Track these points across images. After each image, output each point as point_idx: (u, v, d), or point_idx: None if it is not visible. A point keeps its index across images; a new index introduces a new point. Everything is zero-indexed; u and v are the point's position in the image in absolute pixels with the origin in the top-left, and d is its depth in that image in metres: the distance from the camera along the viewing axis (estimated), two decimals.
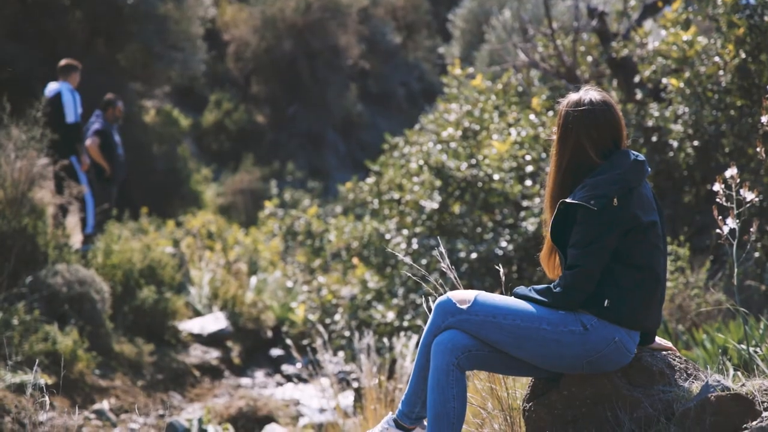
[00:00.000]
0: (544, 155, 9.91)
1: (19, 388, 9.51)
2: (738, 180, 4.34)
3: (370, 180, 11.99)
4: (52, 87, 13.34)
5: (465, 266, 9.90)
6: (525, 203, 10.07)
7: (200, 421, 10.43)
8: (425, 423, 4.32)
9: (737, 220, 4.35)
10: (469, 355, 4.17)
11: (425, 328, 4.31)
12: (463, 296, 4.23)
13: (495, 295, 4.26)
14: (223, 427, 10.44)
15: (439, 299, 4.28)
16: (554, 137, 4.40)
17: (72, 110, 13.21)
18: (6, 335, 10.32)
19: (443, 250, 4.60)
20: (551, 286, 4.22)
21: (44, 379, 9.92)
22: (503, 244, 9.97)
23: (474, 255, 9.84)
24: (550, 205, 4.38)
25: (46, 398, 4.21)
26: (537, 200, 9.94)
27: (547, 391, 4.40)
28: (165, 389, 11.93)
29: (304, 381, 12.88)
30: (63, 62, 13.59)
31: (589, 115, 4.29)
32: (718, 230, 4.38)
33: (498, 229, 10.27)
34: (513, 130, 10.49)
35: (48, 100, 12.89)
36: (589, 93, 4.34)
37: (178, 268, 14.36)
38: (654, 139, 9.74)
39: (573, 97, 4.37)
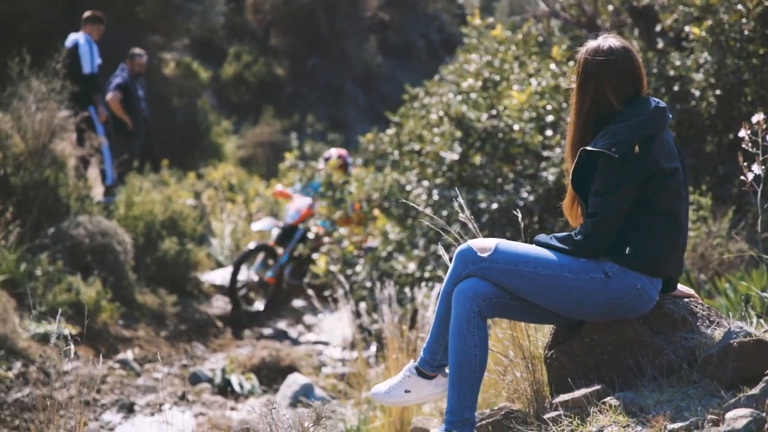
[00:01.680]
0: (564, 105, 9.86)
1: (44, 338, 9.60)
2: (764, 126, 4.31)
3: (391, 131, 11.96)
4: (71, 37, 13.33)
5: (486, 217, 9.89)
6: (545, 153, 10.03)
7: (223, 370, 10.51)
8: (447, 371, 4.35)
9: (762, 167, 4.33)
10: (490, 303, 4.18)
11: (446, 277, 4.32)
12: (484, 244, 4.23)
13: (516, 243, 4.26)
14: (246, 376, 10.51)
15: (460, 247, 4.28)
16: (574, 86, 4.38)
17: (88, 61, 13.18)
18: (30, 286, 10.40)
19: (462, 201, 4.58)
20: (572, 233, 4.22)
21: (68, 329, 10.01)
22: (524, 194, 9.95)
23: (495, 205, 9.82)
24: (571, 154, 4.37)
25: (72, 347, 4.23)
26: (558, 150, 9.90)
27: (568, 339, 4.42)
28: (188, 339, 12.01)
29: (327, 331, 12.94)
30: (87, 13, 13.57)
31: (609, 61, 4.26)
32: (742, 177, 4.35)
33: (518, 180, 10.24)
34: (533, 81, 10.43)
35: (67, 51, 12.89)
36: (609, 40, 4.32)
37: (200, 220, 14.42)
38: (676, 88, 9.67)
39: (592, 44, 4.35)
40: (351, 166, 14.03)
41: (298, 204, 13.31)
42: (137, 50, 14.65)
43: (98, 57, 13.40)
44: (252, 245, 13.02)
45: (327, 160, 13.64)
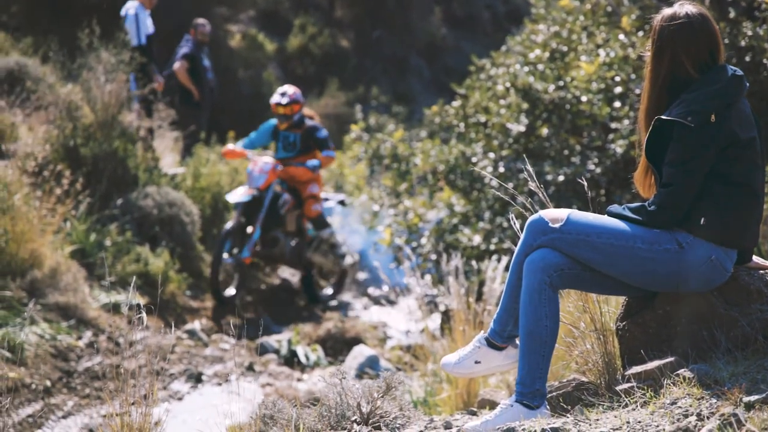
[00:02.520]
0: (633, 76, 9.73)
1: (113, 308, 9.71)
2: None
3: (456, 103, 11.88)
4: (126, 6, 13.39)
5: (552, 189, 9.82)
6: (613, 125, 9.91)
7: (289, 342, 10.58)
8: (517, 342, 4.32)
9: None
10: (562, 273, 4.14)
11: (517, 247, 4.28)
12: (556, 215, 4.19)
13: (588, 213, 4.21)
14: (311, 348, 10.57)
15: (531, 218, 4.24)
16: (648, 54, 4.31)
17: (134, 33, 13.22)
18: (99, 256, 10.52)
19: (531, 170, 4.54)
20: (646, 204, 4.16)
21: (139, 299, 10.12)
22: (591, 166, 9.85)
23: (561, 177, 9.75)
24: (644, 123, 4.31)
25: (144, 315, 4.27)
26: (626, 122, 9.78)
27: (641, 311, 4.36)
28: (254, 311, 12.09)
29: (392, 304, 12.96)
30: None
31: (686, 28, 4.19)
32: None
33: (585, 152, 10.14)
34: (602, 51, 10.30)
35: (123, 20, 13.03)
36: (685, 6, 4.24)
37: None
38: (747, 59, 9.49)
39: (667, 11, 4.27)
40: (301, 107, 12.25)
41: (260, 165, 11.84)
42: (200, 20, 14.71)
43: (149, 27, 13.40)
44: (229, 225, 11.57)
45: (284, 105, 12.00)
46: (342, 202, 13.21)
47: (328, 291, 13.14)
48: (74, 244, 10.46)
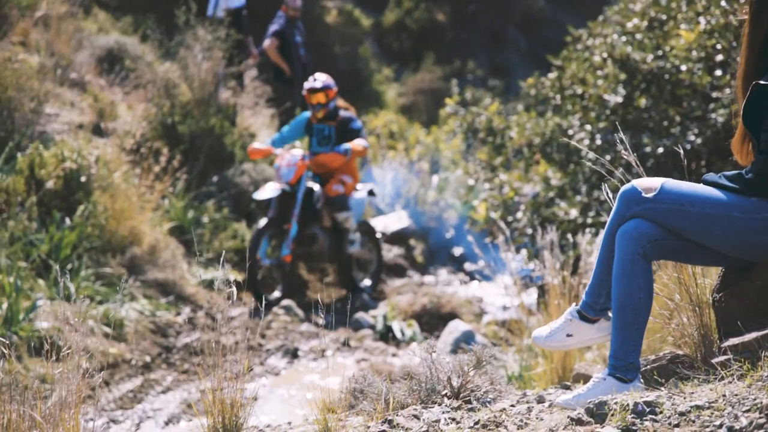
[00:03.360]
0: (734, 44, 9.49)
1: (211, 285, 9.83)
2: None
3: (552, 75, 11.73)
4: None
5: (651, 161, 9.65)
6: (714, 94, 9.69)
7: (385, 317, 10.59)
8: (610, 314, 4.23)
9: None
10: (655, 244, 4.03)
11: (609, 218, 4.19)
12: (649, 184, 4.08)
13: (683, 182, 4.10)
14: (407, 323, 10.56)
15: (624, 187, 4.14)
16: (746, 17, 4.17)
17: (212, 4, 13.35)
18: (197, 233, 10.65)
19: (626, 142, 4.43)
20: (743, 172, 4.03)
21: (234, 275, 10.21)
22: (691, 137, 9.65)
23: (660, 149, 9.57)
24: (742, 89, 4.17)
25: (233, 291, 4.29)
26: (727, 91, 9.55)
27: (738, 281, 4.24)
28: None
29: (487, 279, 12.89)
30: None
31: None
32: None
33: (685, 123, 9.94)
34: (702, 19, 10.07)
35: None
36: None
37: (361, 167, 14.49)
38: None
39: None
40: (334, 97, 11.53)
41: (288, 158, 11.02)
42: None
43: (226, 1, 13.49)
44: (262, 223, 10.80)
45: (318, 90, 11.33)
46: (371, 192, 12.10)
47: (367, 282, 12.11)
48: (172, 221, 10.60)
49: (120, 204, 9.73)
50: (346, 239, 11.53)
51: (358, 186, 11.85)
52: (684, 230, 4.01)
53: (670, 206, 4.00)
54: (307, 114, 11.49)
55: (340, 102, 11.63)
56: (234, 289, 4.36)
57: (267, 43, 14.16)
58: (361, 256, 12.04)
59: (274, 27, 14.31)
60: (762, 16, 4.08)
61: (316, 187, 11.23)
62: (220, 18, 13.14)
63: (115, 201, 9.72)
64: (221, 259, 4.83)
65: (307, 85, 11.31)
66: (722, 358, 3.95)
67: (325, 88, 11.24)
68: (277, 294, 10.99)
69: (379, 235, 12.32)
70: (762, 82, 3.95)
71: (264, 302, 4.72)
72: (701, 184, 4.13)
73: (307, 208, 11.17)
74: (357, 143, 11.22)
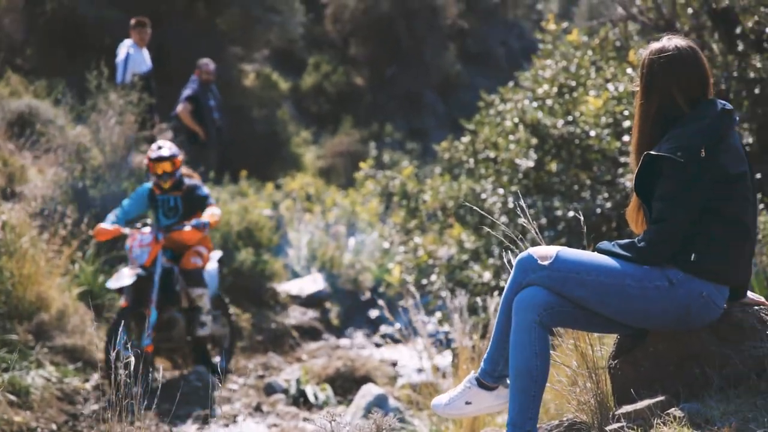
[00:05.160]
0: None
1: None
2: None
3: (466, 139, 11.86)
4: (121, 45, 13.56)
5: (562, 224, 9.77)
6: (623, 159, 9.87)
7: (298, 381, 10.51)
8: (508, 381, 4.25)
9: None
10: (552, 312, 4.07)
11: (506, 286, 4.23)
12: (545, 252, 4.13)
13: (578, 250, 4.15)
14: (321, 387, 10.50)
15: (520, 255, 4.19)
16: (637, 88, 4.26)
17: (121, 72, 13.37)
18: (107, 298, 10.51)
19: (526, 212, 4.48)
20: (635, 240, 4.10)
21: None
22: (600, 201, 9.80)
23: (571, 213, 9.70)
24: (636, 158, 4.26)
25: (132, 358, 4.24)
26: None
27: (633, 349, 4.30)
28: (264, 350, 12.06)
29: (403, 342, 12.89)
30: (132, 20, 13.76)
31: (676, 61, 4.15)
32: None
33: (595, 186, 10.10)
34: (610, 86, 10.27)
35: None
36: (674, 40, 4.20)
37: (276, 230, 14.47)
38: (757, 91, 9.44)
39: (656, 45, 4.23)
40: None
41: (140, 238, 9.81)
42: (204, 60, 14.82)
43: (143, 63, 13.54)
44: (118, 314, 9.70)
45: (165, 159, 10.09)
46: (221, 260, 11.18)
47: (217, 359, 10.74)
48: (82, 286, 10.46)
49: (27, 269, 9.58)
50: (198, 320, 10.24)
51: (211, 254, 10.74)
52: (580, 298, 4.06)
53: (566, 275, 4.05)
54: (148, 185, 10.26)
55: (185, 170, 10.59)
56: (131, 357, 4.33)
57: (180, 108, 14.17)
58: (216, 333, 10.77)
59: (187, 91, 14.34)
60: (654, 87, 4.19)
61: (176, 267, 10.12)
62: (130, 83, 13.11)
63: (23, 266, 9.56)
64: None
65: (153, 154, 10.12)
66: (616, 425, 3.98)
67: (172, 157, 10.11)
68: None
69: (231, 310, 11.28)
70: (653, 152, 4.03)
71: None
72: (595, 251, 4.19)
73: (164, 290, 9.96)
74: (212, 214, 10.13)
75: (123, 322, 8.66)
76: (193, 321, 10.25)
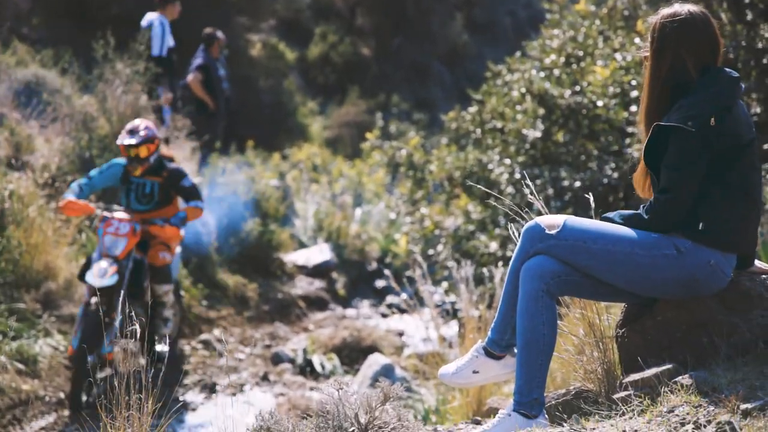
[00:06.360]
0: None
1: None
2: None
3: (473, 109, 11.82)
4: (148, 17, 13.49)
5: (569, 195, 9.75)
6: (630, 129, 9.84)
7: (305, 351, 10.54)
8: (515, 351, 4.24)
9: None
10: (559, 280, 4.06)
11: (513, 255, 4.22)
12: (552, 221, 4.12)
13: (585, 219, 4.14)
14: (327, 356, 10.52)
15: (527, 224, 4.17)
16: (647, 54, 4.22)
17: (158, 44, 13.32)
18: None
19: (530, 180, 4.47)
20: (643, 209, 4.09)
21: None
22: (608, 171, 9.78)
23: (578, 183, 9.68)
24: (645, 125, 4.23)
25: (137, 328, 4.25)
26: (641, 127, 9.69)
27: (640, 317, 4.29)
28: (271, 320, 12.08)
29: (410, 311, 12.90)
30: None
31: (689, 26, 4.11)
32: None
33: (603, 157, 10.07)
34: (618, 55, 10.23)
35: (143, 31, 13.07)
36: (686, 6, 4.16)
37: (283, 200, 14.47)
38: (765, 61, 9.40)
39: (668, 9, 4.19)
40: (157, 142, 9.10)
41: (116, 226, 8.63)
42: (211, 30, 14.75)
43: (171, 39, 13.53)
44: (81, 311, 8.46)
45: (135, 147, 8.87)
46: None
47: (164, 348, 8.88)
48: (89, 255, 10.47)
49: (35, 238, 9.59)
50: (161, 316, 9.31)
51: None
52: (587, 267, 4.05)
53: (573, 243, 4.03)
54: (123, 162, 9.13)
55: (165, 151, 9.47)
56: (137, 326, 4.34)
57: (191, 77, 14.14)
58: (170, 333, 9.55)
59: (198, 61, 14.30)
60: (666, 51, 4.14)
61: (145, 261, 9.10)
62: (166, 57, 13.15)
63: (30, 236, 9.57)
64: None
65: (125, 140, 8.86)
66: (624, 393, 3.98)
67: (145, 142, 8.91)
68: (85, 396, 8.50)
69: (182, 293, 10.53)
70: (662, 123, 4.01)
71: (78, 405, 4.35)
72: (602, 221, 4.18)
73: (130, 284, 8.83)
74: (194, 208, 9.07)
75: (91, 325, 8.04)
76: (156, 318, 9.26)
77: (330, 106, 26.28)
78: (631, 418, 3.76)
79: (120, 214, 8.83)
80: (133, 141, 8.83)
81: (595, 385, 4.29)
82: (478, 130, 11.56)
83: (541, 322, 4.03)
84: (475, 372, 4.36)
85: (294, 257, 14.00)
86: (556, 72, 10.73)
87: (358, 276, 14.62)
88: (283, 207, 14.32)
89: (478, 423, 4.90)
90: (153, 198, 9.18)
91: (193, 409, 9.02)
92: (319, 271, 13.93)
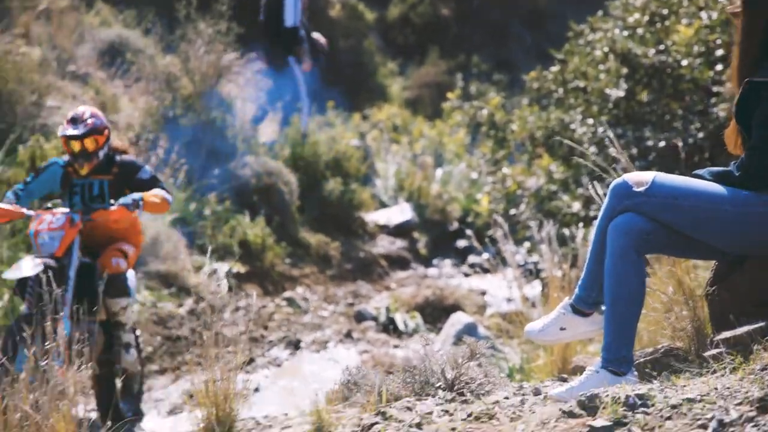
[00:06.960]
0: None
1: (213, 276, 9.86)
2: None
3: (555, 69, 11.72)
4: None
5: (653, 155, 9.66)
6: (715, 89, 9.70)
7: (388, 309, 10.61)
8: (603, 308, 4.23)
9: None
10: (647, 238, 4.02)
11: (600, 212, 4.19)
12: (641, 178, 4.08)
13: (674, 176, 4.10)
14: (410, 315, 10.58)
15: (615, 181, 4.14)
16: (737, 9, 4.15)
17: (291, 14, 13.36)
18: (199, 225, 10.68)
19: (615, 141, 4.43)
20: (734, 165, 4.04)
21: (237, 267, 10.26)
22: (693, 131, 9.66)
23: (662, 143, 9.58)
24: (736, 81, 4.15)
25: (224, 283, 4.33)
26: (728, 85, 9.55)
27: (730, 275, 4.24)
28: (353, 279, 12.16)
29: (492, 271, 12.90)
30: None
31: None
32: None
33: (687, 117, 9.94)
34: (703, 14, 10.08)
35: (268, 1, 13.13)
36: None
37: (363, 160, 14.51)
38: None
39: None
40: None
41: (49, 220, 7.01)
42: None
43: (301, 11, 13.60)
44: (18, 320, 6.63)
45: (78, 138, 7.18)
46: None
47: (124, 406, 7.59)
48: (174, 213, 10.62)
49: None
50: (120, 341, 7.50)
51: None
52: (675, 224, 4.01)
53: (662, 200, 4.00)
54: (61, 161, 7.52)
55: (117, 142, 7.78)
56: (224, 281, 4.40)
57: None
58: (129, 367, 7.61)
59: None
60: (757, 9, 4.06)
61: (97, 265, 7.34)
62: (296, 28, 13.26)
63: None
64: (230, 251, 4.85)
65: (67, 131, 7.24)
66: (715, 351, 3.95)
67: (92, 133, 7.29)
68: None
69: (139, 332, 8.10)
70: (756, 79, 3.94)
71: None
72: (693, 178, 4.13)
73: (81, 292, 7.00)
74: (155, 194, 7.29)
75: (21, 333, 5.70)
76: (115, 341, 7.51)
77: (410, 66, 26.18)
78: (722, 375, 3.74)
79: (54, 209, 7.34)
80: (76, 132, 7.22)
81: (685, 343, 4.28)
82: (561, 90, 11.47)
83: (629, 280, 4.00)
84: (562, 329, 4.36)
85: (375, 217, 14.05)
86: (640, 31, 10.60)
87: (439, 236, 14.62)
88: (364, 167, 14.36)
89: (564, 380, 4.90)
90: (104, 200, 7.46)
91: (278, 365, 9.14)
92: (400, 230, 13.97)
